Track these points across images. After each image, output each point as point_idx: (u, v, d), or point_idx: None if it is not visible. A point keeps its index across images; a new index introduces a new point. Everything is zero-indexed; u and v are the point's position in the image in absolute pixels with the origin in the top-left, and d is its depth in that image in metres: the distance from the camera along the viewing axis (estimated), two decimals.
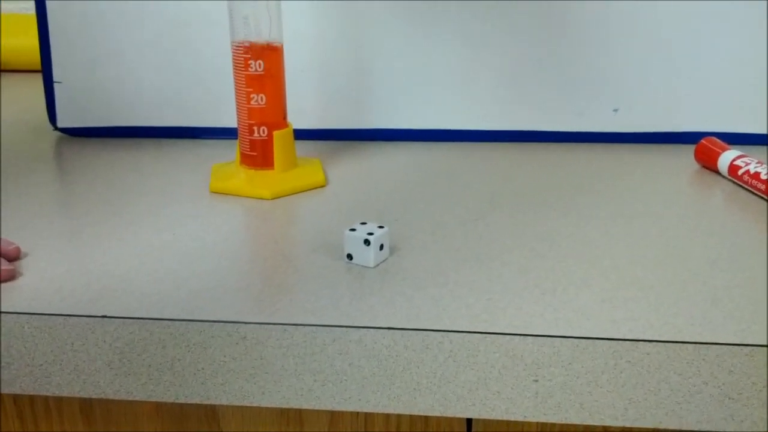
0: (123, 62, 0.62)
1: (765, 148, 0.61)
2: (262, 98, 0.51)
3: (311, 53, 0.62)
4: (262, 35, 0.51)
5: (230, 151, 0.60)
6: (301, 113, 0.62)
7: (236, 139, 0.55)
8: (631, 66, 0.61)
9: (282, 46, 0.52)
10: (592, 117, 0.62)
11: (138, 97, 0.63)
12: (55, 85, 0.62)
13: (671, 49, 0.61)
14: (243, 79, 0.51)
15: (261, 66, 0.51)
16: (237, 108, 0.53)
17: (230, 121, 0.62)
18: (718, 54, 0.61)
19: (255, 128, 0.52)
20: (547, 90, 0.62)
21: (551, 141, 0.63)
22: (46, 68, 0.62)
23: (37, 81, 0.75)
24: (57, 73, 0.62)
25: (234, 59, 0.52)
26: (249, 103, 0.52)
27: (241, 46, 0.51)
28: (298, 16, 0.60)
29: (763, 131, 0.61)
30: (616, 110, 0.62)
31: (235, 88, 0.52)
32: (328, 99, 0.63)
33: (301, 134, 0.62)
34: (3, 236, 0.44)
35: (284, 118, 0.53)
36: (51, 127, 0.65)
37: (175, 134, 0.63)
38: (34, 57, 0.83)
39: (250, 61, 0.51)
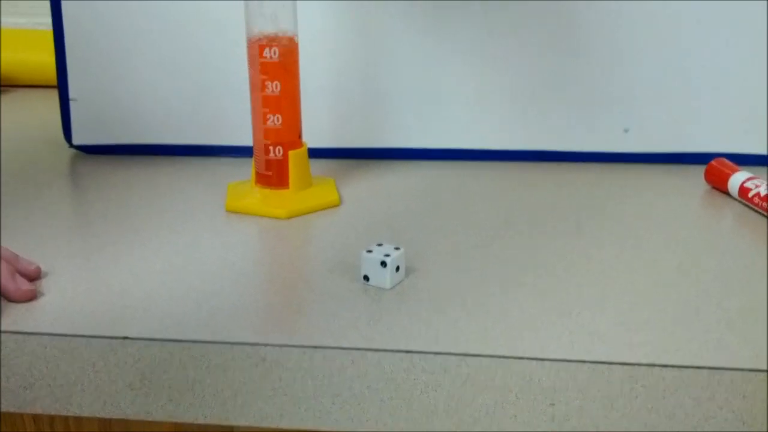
0: (139, 80, 0.63)
1: None
2: (278, 119, 0.52)
3: (326, 72, 0.62)
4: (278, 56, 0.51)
5: (245, 169, 0.60)
6: (316, 132, 0.62)
7: (251, 157, 0.55)
8: (642, 87, 0.62)
9: (298, 69, 0.53)
10: (604, 137, 0.63)
11: (153, 115, 0.63)
12: (71, 103, 0.63)
13: (681, 70, 0.61)
14: (259, 99, 0.52)
15: (278, 87, 0.51)
16: (253, 128, 0.53)
17: (245, 139, 0.63)
18: (728, 76, 0.61)
19: (270, 148, 0.53)
20: (559, 110, 0.62)
21: (563, 161, 0.63)
22: (62, 85, 0.63)
23: (52, 96, 0.75)
24: (73, 91, 0.63)
25: (251, 80, 0.52)
26: (265, 124, 0.52)
27: (258, 67, 0.51)
28: (313, 35, 0.61)
29: None
30: (626, 130, 0.63)
31: (252, 109, 0.53)
32: (342, 118, 0.63)
33: (315, 153, 0.63)
34: (23, 255, 0.44)
35: (299, 137, 0.54)
36: (66, 144, 0.66)
37: (191, 152, 0.64)
38: (49, 72, 0.84)
39: (266, 82, 0.51)
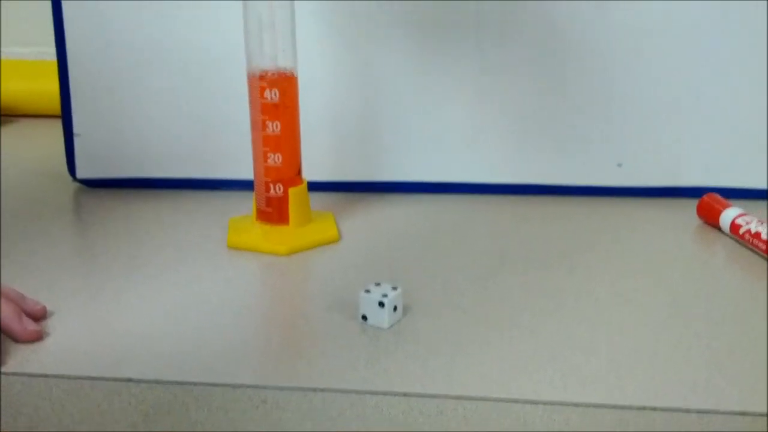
0: (142, 114, 0.64)
1: (765, 203, 0.62)
2: (278, 158, 0.53)
3: (325, 107, 0.63)
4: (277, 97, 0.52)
5: (246, 202, 0.61)
6: (315, 165, 0.63)
7: (252, 190, 0.57)
8: (635, 123, 0.63)
9: (298, 106, 0.54)
10: (597, 171, 0.64)
11: (156, 149, 0.64)
12: (75, 138, 0.64)
13: (674, 106, 0.63)
14: (260, 139, 0.53)
15: (278, 127, 0.53)
16: (254, 166, 0.54)
17: (247, 172, 0.63)
18: (720, 111, 0.63)
19: (271, 186, 0.54)
20: (553, 145, 0.64)
21: (558, 194, 0.65)
22: (66, 120, 0.64)
23: (55, 125, 0.77)
24: (77, 126, 0.64)
25: (252, 118, 0.54)
26: (266, 162, 0.53)
27: (259, 108, 0.53)
28: (312, 70, 0.62)
29: (764, 186, 0.63)
30: (620, 165, 0.64)
31: (253, 147, 0.54)
32: (341, 152, 0.64)
33: (314, 186, 0.64)
34: (27, 293, 0.45)
35: (299, 172, 0.55)
36: (70, 177, 0.67)
37: (193, 186, 0.65)
38: (51, 102, 0.85)
39: (267, 122, 0.53)
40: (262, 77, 0.52)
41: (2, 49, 0.95)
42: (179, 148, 0.64)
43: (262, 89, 0.52)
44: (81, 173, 0.65)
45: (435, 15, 0.62)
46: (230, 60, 0.62)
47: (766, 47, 0.61)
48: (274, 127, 0.53)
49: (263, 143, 0.53)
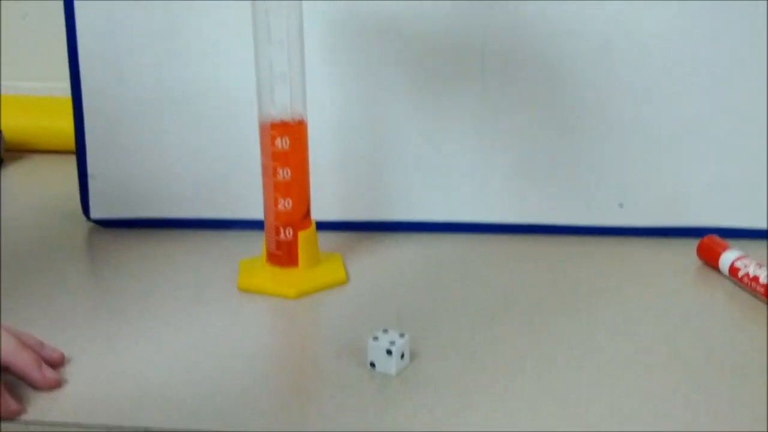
0: (155, 155, 0.65)
1: (766, 242, 0.63)
2: (288, 203, 0.55)
3: (333, 148, 0.65)
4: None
5: (256, 241, 0.62)
6: (321, 205, 0.65)
7: (262, 229, 0.58)
8: (636, 164, 0.64)
9: (308, 152, 0.55)
10: (599, 211, 0.65)
11: (169, 190, 0.66)
12: (89, 179, 0.66)
13: (674, 146, 0.64)
14: (271, 185, 0.55)
15: (288, 174, 0.54)
16: (264, 209, 0.56)
17: (257, 212, 0.65)
18: (720, 151, 0.64)
19: (281, 229, 0.55)
20: (557, 185, 0.65)
21: (561, 234, 0.66)
22: (80, 161, 0.66)
23: (67, 161, 0.78)
24: (91, 166, 0.66)
25: (263, 163, 0.55)
26: (276, 207, 0.55)
27: (270, 155, 0.54)
28: (321, 111, 0.63)
29: (764, 227, 0.64)
30: (621, 205, 0.65)
31: (264, 192, 0.56)
32: (348, 192, 0.66)
33: (321, 225, 0.65)
34: (43, 338, 0.46)
35: (308, 214, 0.57)
36: (84, 217, 0.68)
37: (206, 226, 0.66)
38: (62, 138, 0.86)
39: (278, 169, 0.54)
40: (273, 126, 0.54)
41: (14, 84, 0.97)
42: (192, 188, 0.66)
43: (273, 137, 0.54)
44: (95, 213, 0.67)
45: (441, 58, 0.63)
46: (243, 103, 0.63)
47: (766, 89, 0.63)
48: (284, 173, 0.54)
49: (274, 189, 0.55)
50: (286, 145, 0.54)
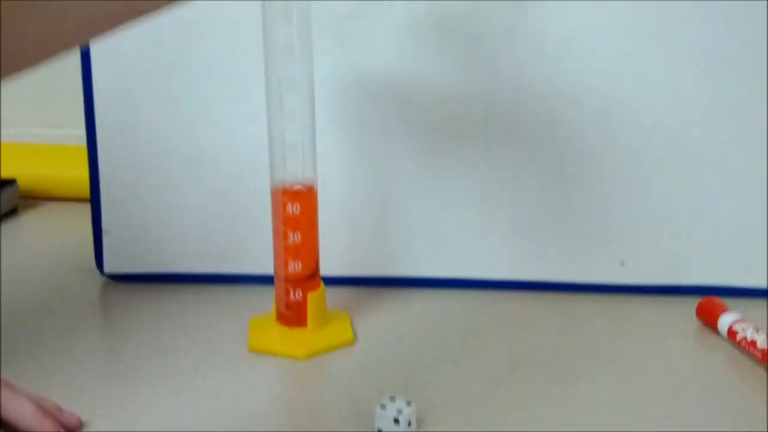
0: (169, 212, 0.67)
1: (766, 302, 0.65)
2: (298, 265, 0.56)
3: (340, 207, 0.67)
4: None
5: (266, 296, 0.63)
6: (328, 261, 0.66)
7: (272, 284, 0.59)
8: (636, 223, 0.66)
9: (317, 216, 0.57)
10: (601, 269, 0.67)
11: (182, 245, 0.67)
12: (104, 235, 0.67)
13: (674, 206, 0.66)
14: (281, 247, 0.56)
15: (298, 237, 0.56)
16: (275, 270, 0.58)
17: (267, 267, 0.66)
18: (720, 211, 0.65)
19: (291, 291, 0.57)
20: (559, 243, 0.67)
21: (563, 291, 0.67)
22: (95, 217, 0.68)
23: (77, 210, 0.80)
24: (106, 222, 0.68)
25: (274, 226, 0.57)
26: (287, 269, 0.57)
27: (281, 219, 0.56)
28: (328, 172, 0.65)
29: (764, 286, 0.66)
30: (623, 263, 0.67)
31: (274, 253, 0.57)
32: (355, 248, 0.68)
33: (327, 280, 0.66)
34: (58, 399, 0.48)
35: (317, 272, 0.58)
36: (97, 270, 0.70)
37: (216, 280, 0.68)
38: (73, 186, 0.88)
39: (288, 233, 0.56)
40: (284, 192, 0.55)
41: (27, 131, 0.99)
42: (204, 244, 0.67)
43: (285, 203, 0.55)
44: (108, 268, 0.68)
45: (446, 122, 0.65)
46: (255, 165, 0.64)
47: (766, 148, 0.64)
48: (295, 237, 0.56)
49: (284, 252, 0.56)
50: (296, 210, 0.55)
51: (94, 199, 0.68)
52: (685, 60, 0.64)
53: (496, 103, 0.65)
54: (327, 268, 0.65)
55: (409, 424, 0.46)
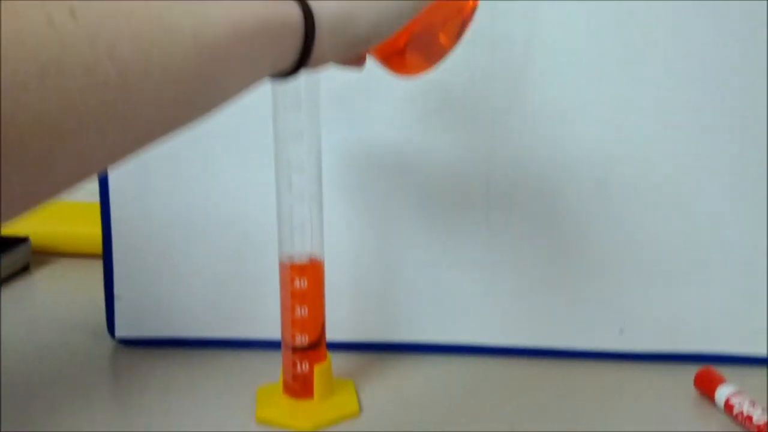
0: (179, 280, 0.69)
1: (765, 370, 0.66)
2: (305, 338, 0.58)
3: (344, 274, 0.68)
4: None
5: (273, 361, 0.64)
6: (332, 327, 0.67)
7: (279, 349, 0.61)
8: (636, 291, 0.67)
9: (324, 288, 0.59)
10: (600, 336, 0.68)
11: (192, 311, 0.69)
12: (116, 300, 0.69)
13: (673, 274, 0.67)
14: (289, 320, 0.58)
15: (305, 311, 0.58)
16: (282, 342, 0.59)
17: (274, 332, 0.68)
18: (719, 278, 0.67)
19: (298, 363, 0.59)
20: (559, 312, 0.68)
21: (564, 357, 0.69)
22: (107, 283, 0.69)
23: (93, 266, 0.82)
24: (118, 287, 0.69)
25: (282, 298, 0.58)
26: (294, 342, 0.58)
27: (289, 293, 0.58)
28: (333, 241, 0.67)
29: (764, 354, 0.67)
30: (622, 331, 0.68)
31: (282, 324, 0.59)
32: (357, 314, 0.69)
33: (331, 346, 0.68)
34: None
35: (322, 344, 0.60)
36: (108, 334, 0.72)
37: (225, 345, 0.70)
38: (88, 243, 0.90)
39: (296, 306, 0.58)
40: (292, 267, 0.57)
41: None
42: (213, 310, 0.69)
43: (293, 278, 0.57)
44: (120, 332, 0.70)
45: (448, 190, 0.67)
46: (265, 234, 0.66)
47: (765, 217, 0.66)
48: (302, 311, 0.57)
49: (292, 325, 0.58)
50: (304, 285, 0.57)
51: (107, 264, 0.70)
52: (681, 130, 0.66)
53: (496, 173, 0.67)
54: (332, 334, 0.67)
55: None
